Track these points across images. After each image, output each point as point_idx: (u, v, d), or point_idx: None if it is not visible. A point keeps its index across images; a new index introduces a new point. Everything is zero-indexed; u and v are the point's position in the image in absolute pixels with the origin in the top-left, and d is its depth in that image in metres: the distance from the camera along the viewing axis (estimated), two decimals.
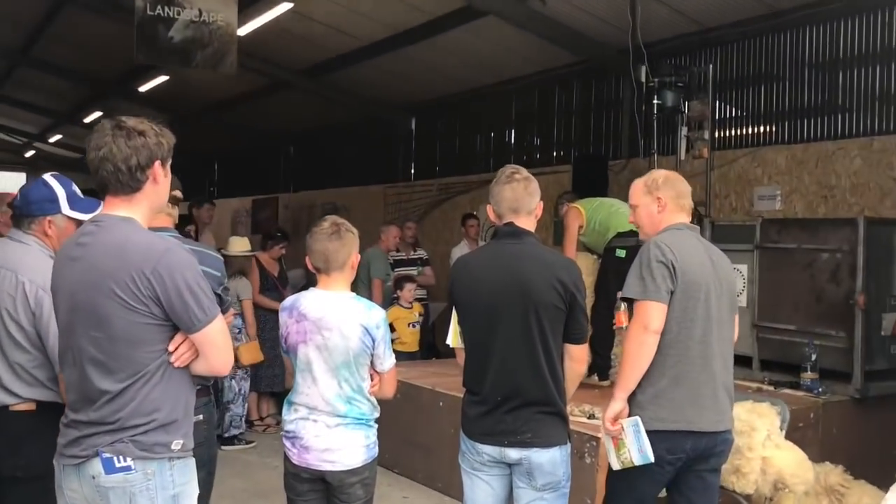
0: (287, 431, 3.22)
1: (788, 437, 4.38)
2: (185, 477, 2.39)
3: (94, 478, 2.28)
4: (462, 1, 8.72)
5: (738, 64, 8.35)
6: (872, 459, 5.16)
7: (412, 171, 13.17)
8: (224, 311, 3.30)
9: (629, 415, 3.12)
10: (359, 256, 3.28)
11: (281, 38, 10.74)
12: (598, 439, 4.11)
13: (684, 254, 3.14)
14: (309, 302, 3.19)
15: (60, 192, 3.01)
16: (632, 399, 3.14)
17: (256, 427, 7.37)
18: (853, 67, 7.48)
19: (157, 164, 2.39)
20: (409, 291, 7.67)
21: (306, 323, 3.15)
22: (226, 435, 6.83)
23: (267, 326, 7.05)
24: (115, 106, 14.28)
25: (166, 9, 8.41)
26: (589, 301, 4.91)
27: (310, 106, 13.55)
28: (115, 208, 2.37)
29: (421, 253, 9.07)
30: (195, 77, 12.81)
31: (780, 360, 6.19)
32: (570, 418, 3.28)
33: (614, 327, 5.20)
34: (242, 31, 9.81)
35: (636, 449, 3.07)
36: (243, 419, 7.01)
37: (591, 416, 4.76)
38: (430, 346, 9.17)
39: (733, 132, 8.49)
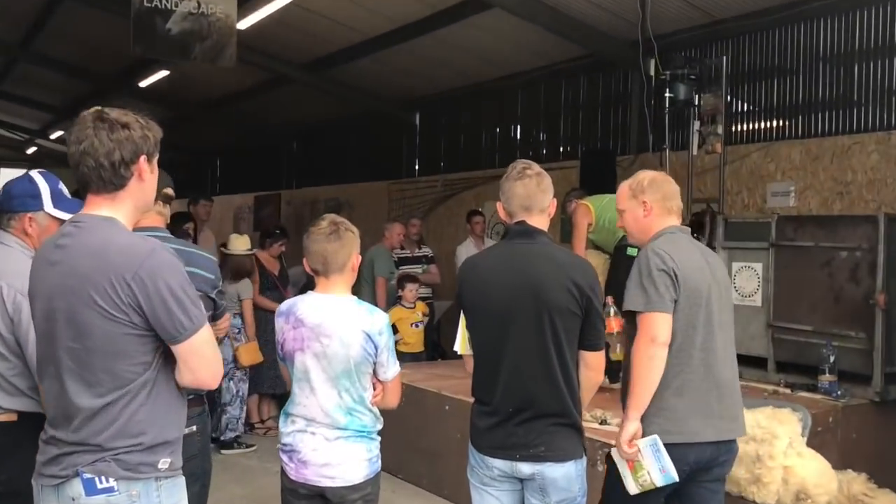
0: (284, 444, 3.03)
1: (806, 442, 4.21)
2: (174, 497, 2.21)
3: (73, 500, 2.10)
4: None
5: (750, 56, 8.15)
6: (894, 465, 4.99)
7: (416, 166, 13.01)
8: (220, 316, 3.14)
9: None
10: (360, 257, 3.08)
11: (282, 32, 10.59)
12: (612, 445, 3.93)
13: (684, 259, 3.02)
14: (306, 307, 3.00)
15: (44, 189, 2.83)
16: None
17: (257, 430, 7.20)
18: (870, 60, 7.28)
19: (143, 159, 2.21)
20: (410, 292, 7.48)
21: (303, 329, 2.96)
22: (221, 438, 6.68)
23: (268, 327, 6.81)
24: (115, 101, 14.08)
25: (163, 0, 8.24)
26: None
27: (312, 101, 13.41)
28: (97, 207, 2.19)
29: (426, 250, 8.90)
30: (196, 72, 12.68)
31: (797, 361, 6.04)
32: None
33: (605, 333, 5.04)
34: (243, 25, 9.67)
35: (657, 469, 2.89)
36: (240, 421, 6.83)
37: (604, 422, 4.58)
38: (435, 346, 9.03)
39: (745, 127, 8.30)
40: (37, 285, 2.21)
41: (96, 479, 2.09)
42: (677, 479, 2.90)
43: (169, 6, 8.23)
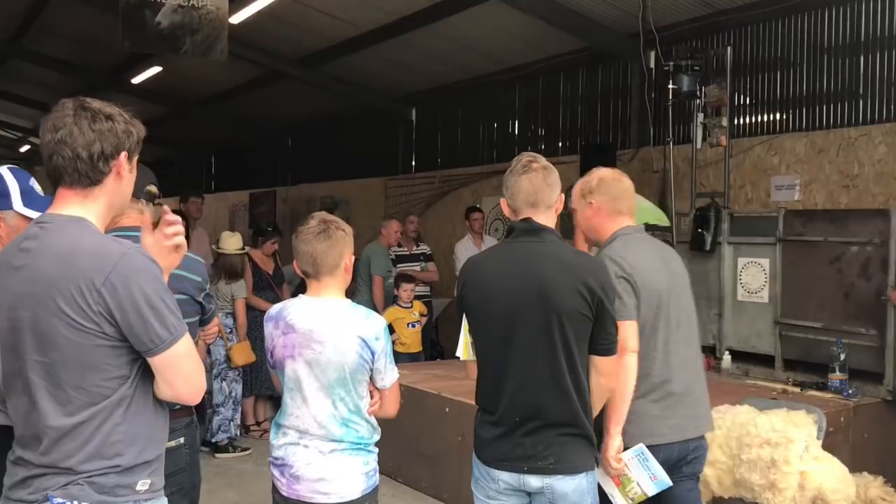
0: (275, 458, 2.83)
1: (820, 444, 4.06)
2: None
3: None
4: None
5: (753, 48, 7.99)
6: None
7: (413, 162, 12.86)
8: (208, 320, 2.97)
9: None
10: (353, 258, 2.87)
11: (276, 26, 10.42)
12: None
13: (639, 262, 2.99)
14: (297, 311, 2.81)
15: (13, 187, 2.63)
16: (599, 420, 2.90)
17: (252, 433, 7.03)
18: (875, 50, 7.11)
19: (124, 155, 2.04)
20: (405, 291, 7.31)
21: (294, 335, 2.77)
22: (213, 440, 6.52)
23: (262, 327, 6.70)
24: (108, 98, 13.92)
25: None
26: None
27: (307, 97, 13.25)
28: (67, 204, 2.01)
29: (424, 248, 8.74)
30: (189, 68, 12.51)
31: (805, 359, 5.92)
32: None
33: None
34: (235, 19, 9.50)
35: (647, 478, 2.77)
36: (233, 423, 6.67)
37: None
38: (434, 344, 8.87)
39: (748, 119, 8.13)
40: (0, 293, 2.03)
41: (67, 503, 1.91)
42: (671, 484, 2.79)
43: None
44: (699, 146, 7.06)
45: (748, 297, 6.30)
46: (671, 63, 6.64)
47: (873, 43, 7.13)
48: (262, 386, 6.99)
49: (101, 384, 1.93)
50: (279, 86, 12.96)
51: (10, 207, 2.61)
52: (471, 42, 9.90)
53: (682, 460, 3.04)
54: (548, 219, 2.80)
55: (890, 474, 4.58)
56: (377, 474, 2.87)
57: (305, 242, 2.78)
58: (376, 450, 2.88)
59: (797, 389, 5.63)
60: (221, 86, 13.86)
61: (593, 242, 3.26)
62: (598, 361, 2.74)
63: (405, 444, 5.48)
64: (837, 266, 5.70)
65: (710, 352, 6.55)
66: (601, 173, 3.24)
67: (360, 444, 2.79)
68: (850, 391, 5.38)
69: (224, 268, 6.65)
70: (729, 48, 7.22)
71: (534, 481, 2.67)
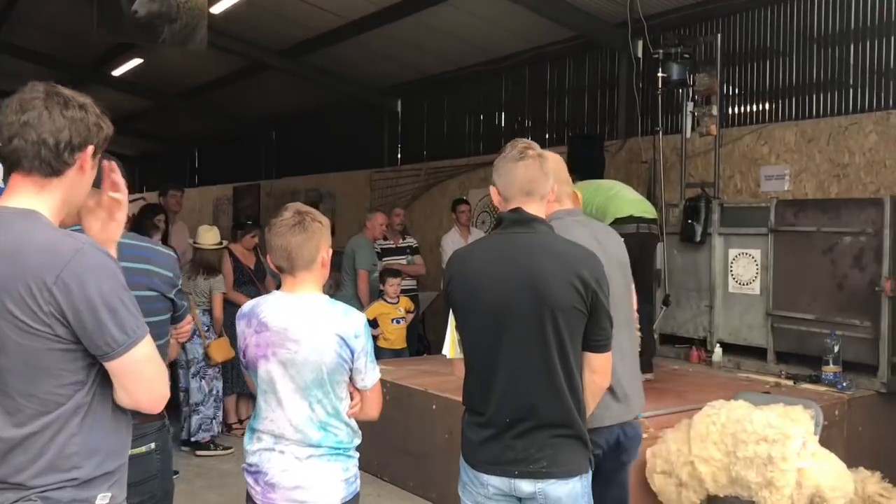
0: (249, 464, 2.66)
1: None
2: None
3: None
4: None
5: (742, 37, 7.89)
6: None
7: (399, 154, 12.71)
8: (180, 318, 2.81)
9: None
10: (330, 251, 2.70)
11: (257, 16, 10.23)
12: None
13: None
14: (271, 308, 2.64)
15: None
16: None
17: (235, 431, 6.87)
18: (865, 39, 7.03)
19: (90, 149, 1.90)
20: (392, 286, 7.14)
21: (268, 334, 2.60)
22: (192, 439, 6.35)
23: None
24: (89, 90, 13.68)
25: None
26: None
27: (290, 89, 13.08)
28: (20, 193, 1.86)
29: (410, 241, 8.59)
30: (170, 60, 12.31)
31: (798, 352, 5.84)
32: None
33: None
34: (216, 9, 9.31)
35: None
36: (215, 422, 6.50)
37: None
38: (421, 338, 8.74)
39: (737, 109, 8.04)
40: None
41: None
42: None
43: None
44: (689, 135, 6.96)
45: (739, 289, 6.21)
46: (661, 51, 6.53)
47: (863, 32, 7.05)
48: (244, 383, 6.80)
49: (55, 391, 1.78)
50: (262, 78, 12.80)
51: None
52: (456, 32, 9.76)
53: (621, 444, 2.98)
54: (539, 209, 2.63)
55: (885, 468, 4.49)
56: (358, 480, 2.70)
57: (279, 235, 2.61)
58: (356, 454, 2.72)
59: (790, 382, 5.54)
60: (204, 78, 13.66)
61: None
62: (592, 358, 2.60)
63: (391, 442, 5.34)
64: (830, 256, 5.61)
65: (701, 344, 6.47)
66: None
67: (339, 448, 2.63)
68: (844, 384, 5.30)
69: (201, 263, 6.48)
70: (719, 35, 7.11)
71: (525, 486, 2.52)
